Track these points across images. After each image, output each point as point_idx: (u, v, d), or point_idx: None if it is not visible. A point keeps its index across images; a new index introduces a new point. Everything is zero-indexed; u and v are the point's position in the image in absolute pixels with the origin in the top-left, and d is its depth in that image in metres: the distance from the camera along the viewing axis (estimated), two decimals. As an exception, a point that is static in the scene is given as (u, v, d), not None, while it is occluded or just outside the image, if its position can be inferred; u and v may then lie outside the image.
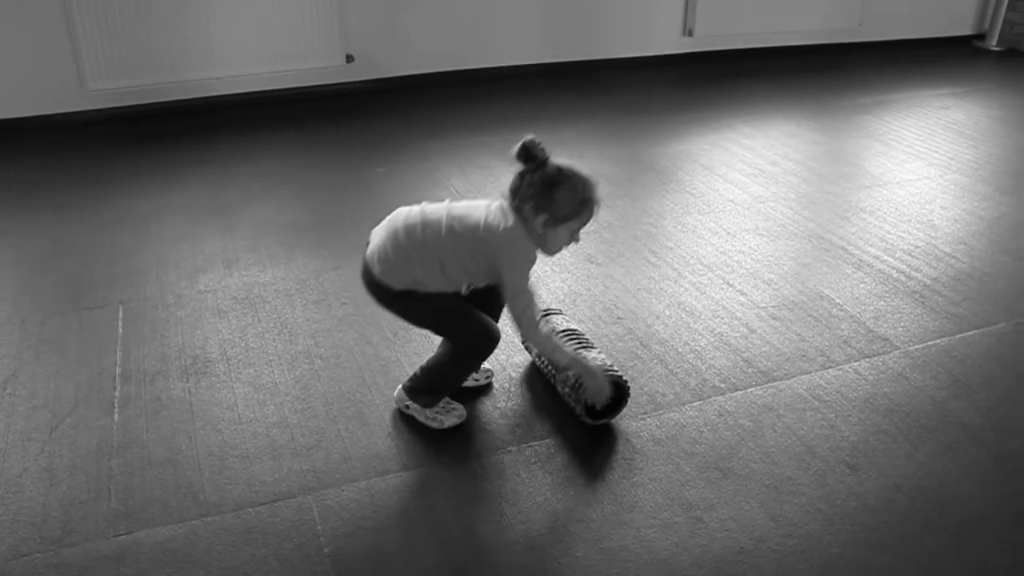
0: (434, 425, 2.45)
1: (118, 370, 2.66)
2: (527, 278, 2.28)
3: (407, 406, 2.49)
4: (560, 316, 2.68)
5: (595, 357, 2.47)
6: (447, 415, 2.47)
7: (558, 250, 2.33)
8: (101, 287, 3.11)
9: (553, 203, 2.22)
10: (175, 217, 3.60)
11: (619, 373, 2.45)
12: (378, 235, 2.38)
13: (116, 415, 2.47)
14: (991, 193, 4.06)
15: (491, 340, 2.38)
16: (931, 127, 4.92)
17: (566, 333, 2.57)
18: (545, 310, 2.70)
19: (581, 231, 2.31)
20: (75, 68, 4.49)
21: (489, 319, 2.42)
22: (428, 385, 2.45)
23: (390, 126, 4.65)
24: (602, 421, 2.45)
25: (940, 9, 6.60)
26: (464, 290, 2.37)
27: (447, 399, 2.50)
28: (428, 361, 2.48)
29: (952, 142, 4.70)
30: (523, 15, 5.36)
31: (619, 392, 2.45)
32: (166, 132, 4.53)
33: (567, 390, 2.45)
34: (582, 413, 2.42)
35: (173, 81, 4.69)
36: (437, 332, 2.51)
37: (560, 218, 2.24)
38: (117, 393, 2.56)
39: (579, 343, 2.54)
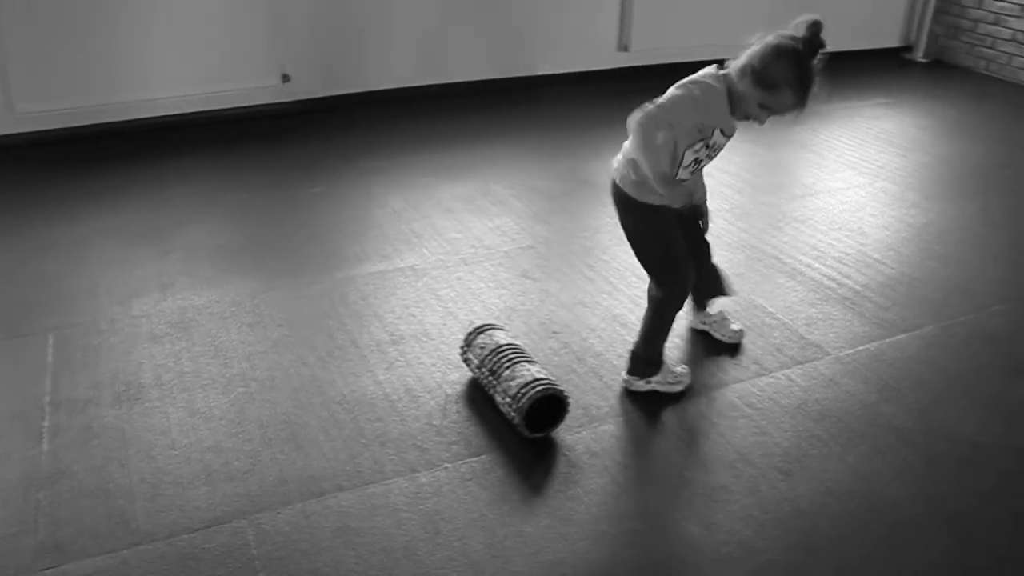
0: (673, 389, 2.69)
1: (47, 399, 2.61)
2: (676, 117, 2.35)
3: (644, 382, 2.69)
4: (502, 331, 2.69)
5: (538, 372, 2.48)
6: (676, 381, 2.69)
7: (743, 116, 2.41)
8: (30, 315, 3.06)
9: (764, 63, 2.30)
10: (108, 242, 3.55)
11: (560, 388, 2.47)
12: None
13: (45, 445, 2.42)
14: (919, 200, 4.15)
15: (688, 279, 2.60)
16: (861, 137, 5.01)
17: (507, 348, 2.58)
18: (487, 324, 2.71)
19: (770, 114, 2.39)
20: (2, 90, 4.42)
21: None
22: (645, 353, 2.66)
23: (327, 146, 4.63)
24: (540, 434, 2.46)
25: (869, 23, 6.73)
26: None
27: (669, 368, 2.69)
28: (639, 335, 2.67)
29: (882, 151, 4.79)
30: (459, 33, 5.37)
31: (558, 404, 2.46)
32: (98, 155, 4.46)
33: (507, 400, 2.46)
34: (521, 424, 2.42)
35: (105, 103, 4.62)
36: (653, 263, 2.64)
37: (760, 81, 2.31)
38: (46, 423, 2.51)
39: (522, 356, 2.56)
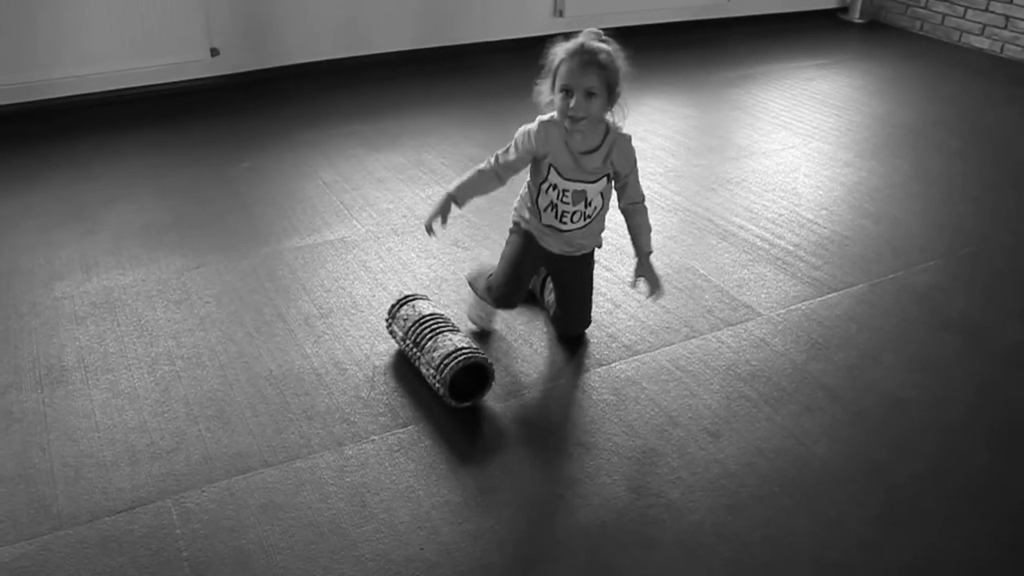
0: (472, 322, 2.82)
1: (-35, 385, 2.55)
2: (511, 146, 2.52)
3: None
4: (425, 301, 2.67)
5: (460, 341, 2.46)
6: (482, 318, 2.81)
7: (563, 118, 2.39)
8: (-51, 299, 2.98)
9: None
10: (29, 223, 3.46)
11: (484, 355, 2.45)
12: None
13: (-38, 431, 2.37)
14: (852, 159, 4.18)
15: (496, 298, 2.69)
16: (796, 98, 5.03)
17: (430, 318, 2.56)
18: (410, 295, 2.69)
19: (568, 99, 2.34)
20: (-80, 72, 4.29)
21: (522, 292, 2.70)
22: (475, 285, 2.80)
23: (257, 120, 4.55)
24: (466, 404, 2.44)
25: (805, -17, 6.77)
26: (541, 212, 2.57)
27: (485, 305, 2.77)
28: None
29: (816, 111, 4.82)
30: (393, 1, 5.30)
31: (482, 373, 2.44)
32: (19, 135, 4.35)
33: (431, 371, 2.44)
34: (446, 395, 2.41)
35: (27, 81, 4.50)
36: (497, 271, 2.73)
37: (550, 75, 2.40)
38: (-36, 408, 2.45)
39: (445, 326, 2.54)
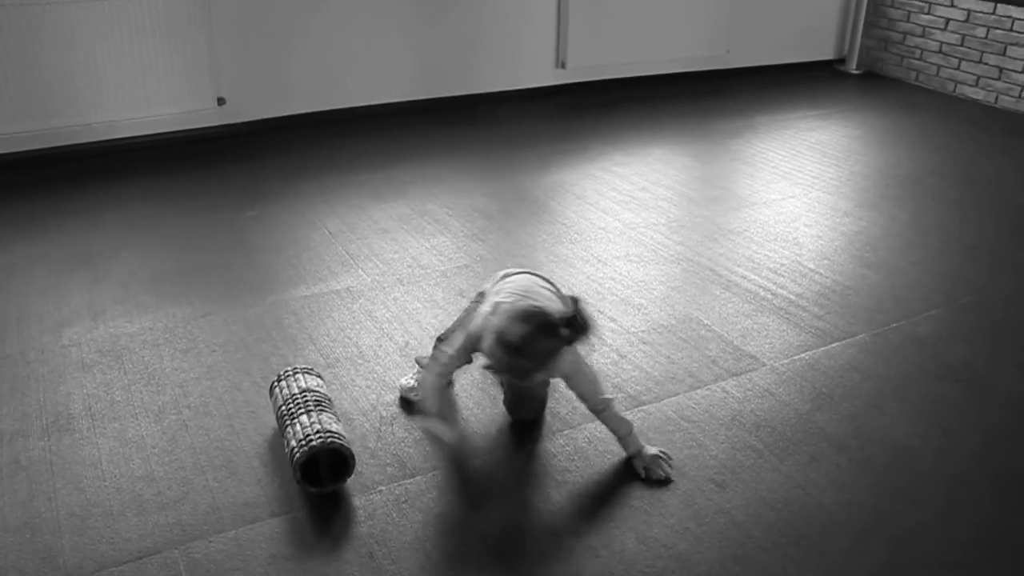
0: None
1: (-27, 433, 2.56)
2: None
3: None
4: (309, 376, 2.57)
5: (328, 420, 2.37)
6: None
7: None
8: (-43, 347, 2.99)
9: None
10: (38, 270, 3.49)
11: (344, 443, 2.32)
12: None
13: (-31, 480, 2.37)
14: (852, 209, 4.22)
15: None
16: (796, 148, 5.09)
17: (303, 393, 2.46)
18: (301, 368, 2.61)
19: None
20: (-70, 121, 4.34)
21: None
22: None
23: (263, 169, 4.60)
24: (329, 488, 2.33)
25: (803, 36, 6.85)
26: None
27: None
28: None
29: (816, 162, 4.87)
30: (397, 52, 5.38)
31: (342, 459, 2.33)
32: (30, 182, 4.39)
33: (288, 451, 2.36)
34: (300, 480, 2.30)
35: (38, 129, 4.55)
36: None
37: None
38: (-29, 457, 2.46)
39: (314, 405, 2.42)
